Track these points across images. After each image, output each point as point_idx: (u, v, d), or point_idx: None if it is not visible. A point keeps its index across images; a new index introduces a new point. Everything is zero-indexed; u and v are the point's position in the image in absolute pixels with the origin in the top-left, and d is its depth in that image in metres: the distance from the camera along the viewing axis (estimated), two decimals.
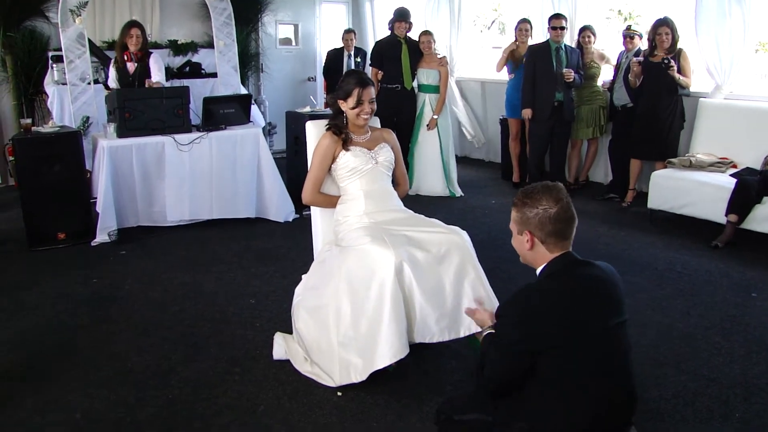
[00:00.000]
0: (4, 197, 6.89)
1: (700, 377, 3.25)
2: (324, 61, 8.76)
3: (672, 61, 5.85)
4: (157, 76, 5.99)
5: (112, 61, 6.12)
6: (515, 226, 2.33)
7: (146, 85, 5.87)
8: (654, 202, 5.83)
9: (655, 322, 3.89)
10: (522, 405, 2.23)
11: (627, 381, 2.21)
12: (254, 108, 7.04)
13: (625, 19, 10.74)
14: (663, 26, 5.98)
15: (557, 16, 6.63)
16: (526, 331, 2.14)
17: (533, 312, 2.15)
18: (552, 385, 2.15)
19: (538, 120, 6.71)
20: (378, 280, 2.99)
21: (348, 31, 8.50)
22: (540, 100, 6.63)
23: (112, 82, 6.01)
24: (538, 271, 2.31)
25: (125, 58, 5.94)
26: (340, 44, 8.48)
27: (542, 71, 6.58)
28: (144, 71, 6.00)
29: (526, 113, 6.74)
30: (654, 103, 6.07)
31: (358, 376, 3.02)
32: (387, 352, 2.95)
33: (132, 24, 6.07)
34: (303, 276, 3.56)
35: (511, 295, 2.26)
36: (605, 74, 7.05)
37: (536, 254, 2.28)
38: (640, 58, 6.16)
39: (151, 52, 6.16)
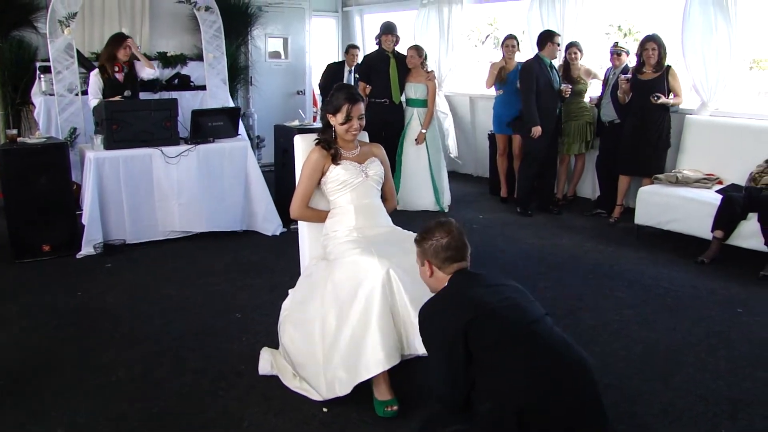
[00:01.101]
0: None
1: (686, 393, 3.25)
2: (322, 73, 8.73)
3: (661, 96, 5.91)
4: (147, 71, 6.34)
5: (94, 72, 6.13)
6: (418, 258, 2.69)
7: (140, 78, 6.25)
8: (641, 217, 5.85)
9: (642, 338, 3.90)
10: (482, 393, 2.38)
11: (553, 337, 2.40)
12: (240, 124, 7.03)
13: (625, 35, 10.83)
14: (650, 42, 6.03)
15: (556, 34, 6.69)
16: (449, 330, 2.37)
17: (444, 308, 2.46)
18: (492, 364, 2.34)
19: (541, 137, 6.65)
20: (365, 290, 2.97)
21: (353, 47, 8.51)
22: (544, 117, 6.61)
23: (94, 94, 6.00)
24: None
25: (116, 69, 6.01)
26: (339, 58, 8.48)
27: (544, 87, 6.58)
28: (133, 77, 6.17)
29: (537, 131, 6.59)
30: (642, 119, 6.10)
31: (344, 389, 2.98)
32: (372, 363, 2.92)
33: (124, 36, 6.20)
34: (290, 290, 3.54)
35: (420, 310, 2.57)
36: (592, 90, 7.10)
37: (437, 280, 2.62)
38: (629, 75, 6.19)
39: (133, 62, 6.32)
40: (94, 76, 6.08)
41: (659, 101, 5.90)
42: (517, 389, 2.27)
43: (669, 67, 6.08)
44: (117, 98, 5.93)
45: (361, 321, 2.96)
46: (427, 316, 2.51)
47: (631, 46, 6.95)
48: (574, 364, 2.36)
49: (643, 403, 3.16)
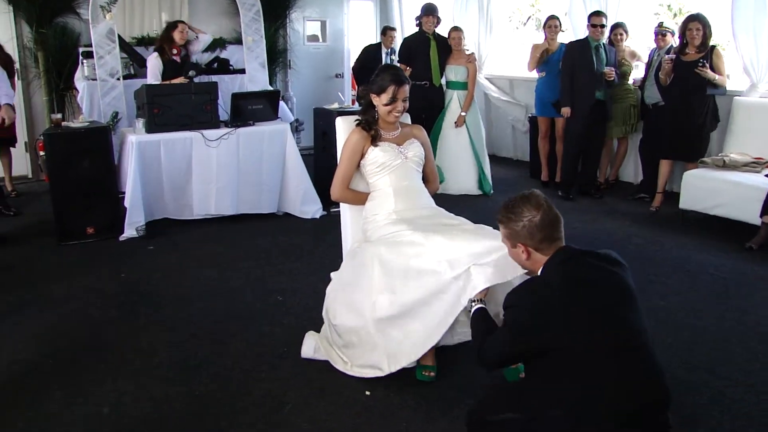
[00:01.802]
0: (35, 192, 6.97)
1: (736, 383, 3.17)
2: (359, 55, 8.68)
3: (705, 62, 5.69)
4: (202, 39, 6.74)
5: (153, 55, 6.23)
6: (507, 240, 2.46)
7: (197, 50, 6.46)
8: (686, 202, 5.71)
9: (688, 326, 3.81)
10: (552, 394, 2.23)
11: (648, 360, 2.21)
12: (282, 104, 7.03)
13: (675, 14, 10.53)
14: (694, 22, 5.79)
15: (597, 14, 6.51)
16: (539, 321, 2.20)
17: (545, 303, 2.22)
18: (574, 372, 2.17)
19: (576, 118, 6.57)
20: (416, 267, 2.97)
21: (390, 28, 8.43)
22: (580, 98, 6.50)
23: (154, 76, 6.10)
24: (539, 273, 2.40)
25: (174, 51, 6.18)
26: (377, 40, 8.42)
27: (582, 69, 6.45)
28: (189, 65, 6.33)
29: (566, 111, 6.58)
30: (684, 102, 5.91)
31: (410, 358, 3.00)
32: (434, 333, 2.92)
33: (178, 21, 6.40)
34: (332, 274, 3.52)
35: (518, 287, 2.40)
36: (636, 72, 6.94)
37: (534, 262, 2.40)
38: (672, 56, 6.00)
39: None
40: (154, 59, 6.18)
41: (703, 70, 5.67)
42: (596, 406, 2.13)
43: (714, 47, 5.86)
44: (180, 79, 6.05)
45: (418, 296, 2.94)
46: (522, 295, 2.31)
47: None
48: (662, 394, 2.21)
49: (690, 392, 3.08)
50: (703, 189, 5.56)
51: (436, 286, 2.92)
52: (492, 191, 7.00)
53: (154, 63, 6.16)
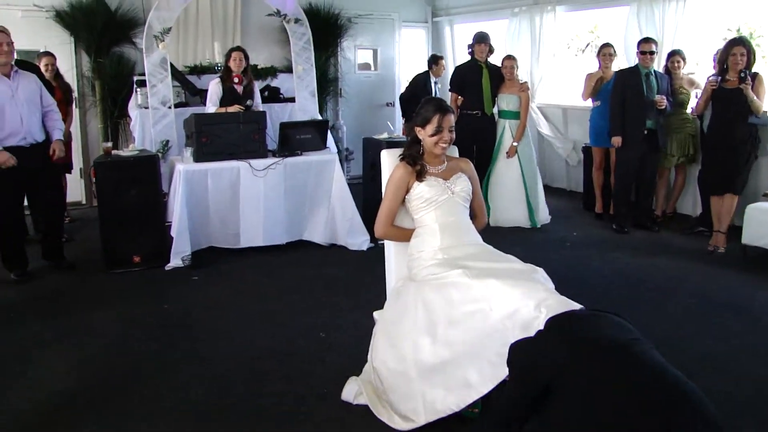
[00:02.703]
0: (88, 218, 7.05)
1: None
2: (408, 85, 8.63)
3: (748, 78, 5.39)
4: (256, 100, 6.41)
5: (215, 81, 6.28)
6: None
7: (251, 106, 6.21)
8: (748, 237, 5.45)
9: (752, 373, 3.56)
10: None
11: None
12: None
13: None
14: (738, 46, 5.46)
15: (647, 41, 6.34)
16: (540, 356, 2.25)
17: (543, 340, 2.31)
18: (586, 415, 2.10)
19: (627, 148, 6.38)
20: (460, 312, 2.84)
21: (440, 57, 8.36)
22: (630, 127, 6.31)
23: (213, 102, 6.15)
24: None
25: (235, 80, 6.16)
26: (424, 68, 8.38)
27: (632, 97, 6.26)
28: (251, 90, 6.33)
29: (616, 141, 6.39)
30: (726, 133, 5.60)
31: (446, 409, 2.83)
32: (477, 383, 2.77)
33: (234, 48, 6.35)
34: (375, 313, 3.40)
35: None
36: (694, 101, 6.70)
37: None
38: (717, 77, 5.67)
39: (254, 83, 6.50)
40: (215, 85, 6.22)
41: (745, 86, 5.34)
42: None
43: (756, 74, 5.54)
44: (236, 107, 6.05)
45: (462, 342, 2.81)
46: (521, 349, 2.37)
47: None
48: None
49: None
50: (764, 223, 5.29)
51: (483, 329, 2.78)
52: (539, 224, 6.80)
53: (213, 89, 6.20)
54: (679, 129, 6.58)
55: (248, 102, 6.18)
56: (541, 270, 2.99)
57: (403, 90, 8.88)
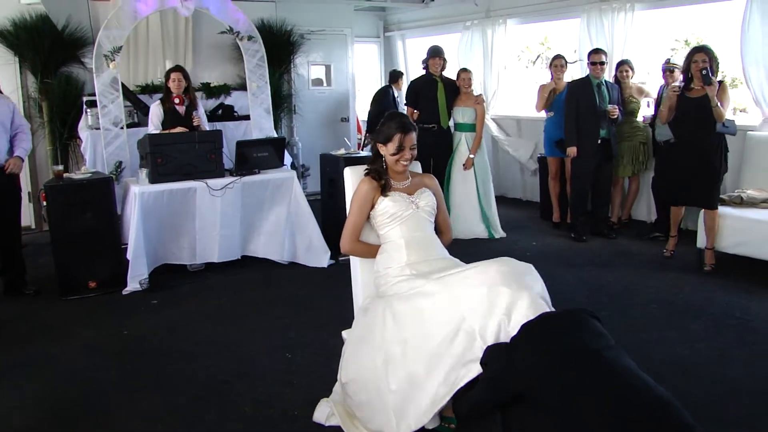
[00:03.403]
0: (38, 243, 6.83)
1: None
2: (371, 102, 8.63)
3: (711, 75, 5.22)
4: (202, 120, 6.16)
5: (156, 103, 6.10)
6: None
7: (193, 121, 5.96)
8: (704, 241, 5.54)
9: (719, 376, 3.62)
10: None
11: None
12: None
13: None
14: (699, 53, 5.31)
15: (597, 51, 6.46)
16: (512, 363, 2.33)
17: (514, 346, 2.41)
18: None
19: (582, 157, 6.48)
20: (432, 323, 2.79)
21: (399, 74, 8.39)
22: (585, 138, 6.41)
23: (155, 125, 5.97)
24: None
25: (176, 101, 5.96)
26: (382, 83, 8.41)
27: (585, 108, 6.36)
28: (193, 110, 6.09)
29: (572, 151, 6.50)
30: (695, 143, 5.45)
31: (422, 419, 2.76)
32: (448, 390, 2.71)
33: (172, 69, 6.13)
34: (344, 333, 3.35)
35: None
36: (645, 109, 6.84)
37: None
38: (680, 83, 5.57)
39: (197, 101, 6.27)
40: (155, 107, 6.02)
41: (710, 80, 5.17)
42: None
43: (721, 81, 5.39)
44: (179, 129, 5.85)
45: (433, 353, 2.74)
46: (496, 355, 2.46)
47: None
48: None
49: None
50: (722, 227, 5.41)
51: (453, 339, 2.74)
52: (496, 235, 6.84)
53: (154, 111, 6.01)
54: (630, 137, 6.71)
55: (194, 122, 5.99)
56: (530, 266, 3.13)
57: (366, 107, 8.89)
